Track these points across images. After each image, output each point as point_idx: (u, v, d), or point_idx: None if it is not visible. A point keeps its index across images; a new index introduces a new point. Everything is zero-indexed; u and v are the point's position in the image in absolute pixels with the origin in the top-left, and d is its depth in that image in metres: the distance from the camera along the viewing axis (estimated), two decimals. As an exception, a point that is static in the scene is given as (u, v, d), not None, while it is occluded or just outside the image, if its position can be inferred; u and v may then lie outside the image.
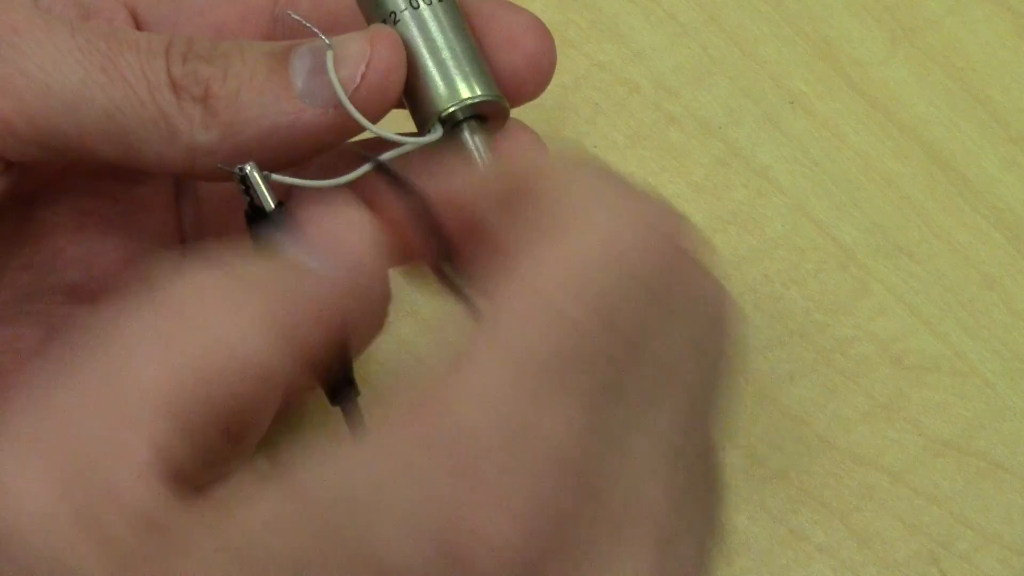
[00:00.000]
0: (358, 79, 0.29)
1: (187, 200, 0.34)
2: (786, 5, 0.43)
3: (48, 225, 0.32)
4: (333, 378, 0.26)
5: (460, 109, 0.30)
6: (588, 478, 0.21)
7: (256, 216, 0.28)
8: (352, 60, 0.29)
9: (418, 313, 0.37)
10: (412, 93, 0.30)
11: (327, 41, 0.29)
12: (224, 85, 0.28)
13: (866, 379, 0.39)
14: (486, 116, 0.31)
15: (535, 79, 0.31)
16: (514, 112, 0.31)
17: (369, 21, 0.31)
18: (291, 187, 0.28)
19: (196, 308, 0.22)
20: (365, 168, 0.28)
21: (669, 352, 0.23)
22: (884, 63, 0.43)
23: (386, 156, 0.28)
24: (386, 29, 0.30)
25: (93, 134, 0.28)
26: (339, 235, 0.25)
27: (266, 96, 0.28)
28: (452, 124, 0.30)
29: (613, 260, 0.22)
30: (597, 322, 0.22)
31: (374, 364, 0.36)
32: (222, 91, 0.28)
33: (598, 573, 0.21)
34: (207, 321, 0.22)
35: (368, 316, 0.25)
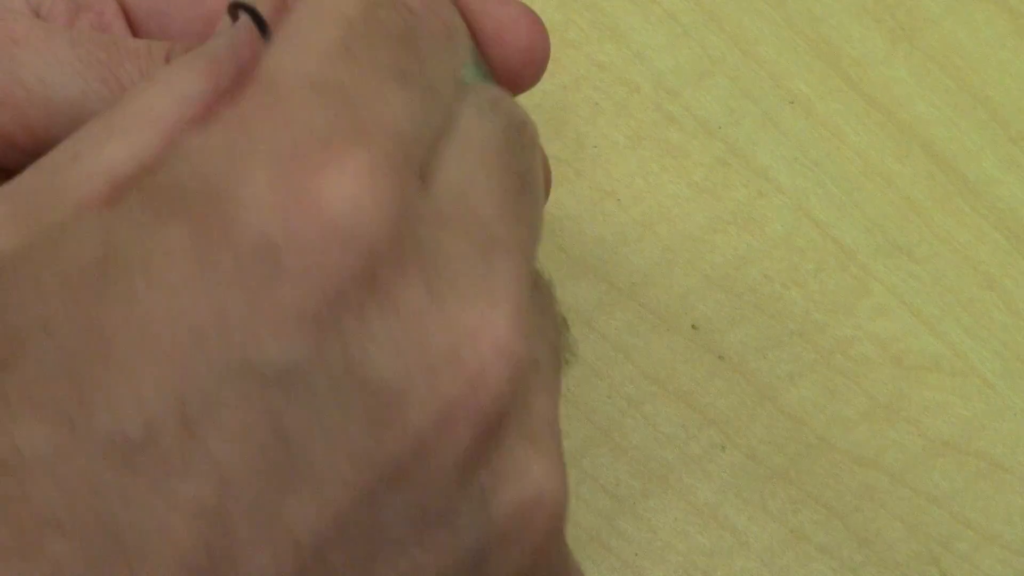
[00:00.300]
0: None
1: None
2: (786, 5, 0.43)
3: None
4: None
5: None
6: (424, 161, 0.22)
7: None
8: None
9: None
10: None
11: None
12: None
13: (866, 379, 0.39)
14: None
15: (529, 71, 0.31)
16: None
17: None
18: None
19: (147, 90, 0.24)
20: None
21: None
22: (884, 63, 0.43)
23: None
24: None
25: None
26: None
27: None
28: None
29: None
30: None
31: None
32: None
33: (450, 284, 0.21)
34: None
35: None
